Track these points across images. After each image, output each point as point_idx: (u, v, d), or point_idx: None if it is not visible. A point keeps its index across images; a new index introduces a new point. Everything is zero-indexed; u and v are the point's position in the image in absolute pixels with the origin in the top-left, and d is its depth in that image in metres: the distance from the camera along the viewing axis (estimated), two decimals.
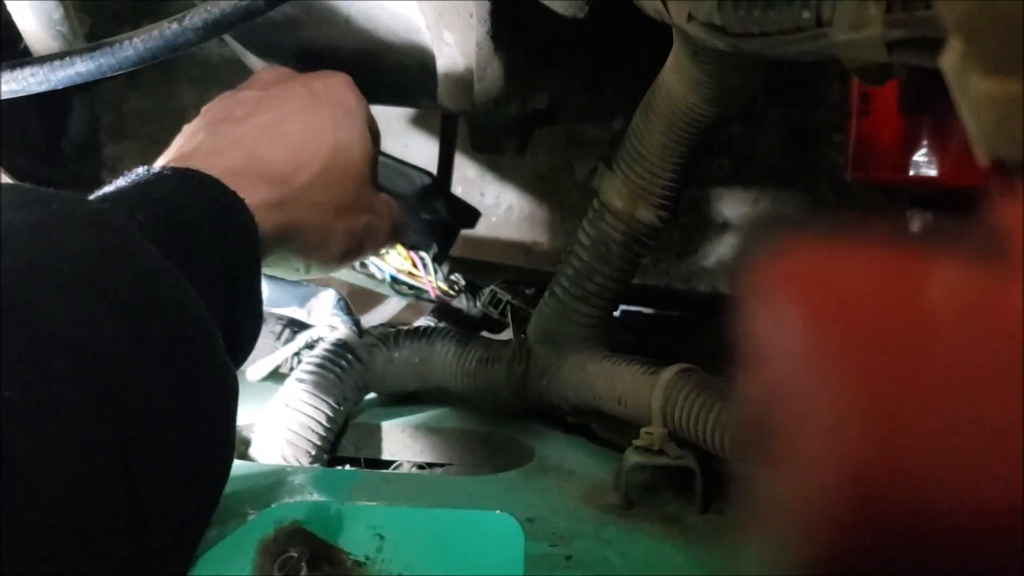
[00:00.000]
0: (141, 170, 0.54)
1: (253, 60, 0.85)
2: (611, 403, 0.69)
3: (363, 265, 0.86)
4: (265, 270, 0.67)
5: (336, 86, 0.68)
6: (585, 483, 0.69)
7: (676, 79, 0.62)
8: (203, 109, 0.66)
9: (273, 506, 0.49)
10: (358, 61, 0.81)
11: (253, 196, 0.56)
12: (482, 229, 1.41)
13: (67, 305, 0.41)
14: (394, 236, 0.73)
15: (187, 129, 0.65)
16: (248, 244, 0.56)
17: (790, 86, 1.33)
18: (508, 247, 1.59)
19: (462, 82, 0.73)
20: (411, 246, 0.86)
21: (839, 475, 0.21)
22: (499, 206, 1.61)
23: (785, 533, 0.24)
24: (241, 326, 0.56)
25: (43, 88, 0.49)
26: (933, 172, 0.74)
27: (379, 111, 1.55)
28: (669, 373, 0.65)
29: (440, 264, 0.89)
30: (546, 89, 0.74)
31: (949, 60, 0.24)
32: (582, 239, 0.71)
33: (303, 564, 0.47)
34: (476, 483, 0.68)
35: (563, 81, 0.77)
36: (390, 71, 0.82)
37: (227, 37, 0.85)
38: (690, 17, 0.43)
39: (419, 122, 1.54)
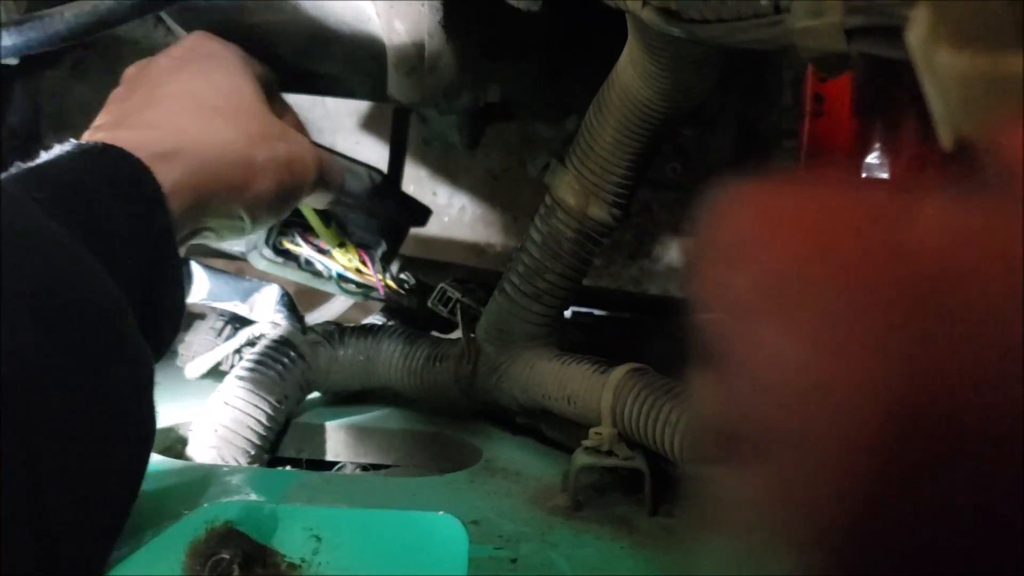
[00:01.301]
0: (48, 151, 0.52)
1: None
2: (561, 403, 0.67)
3: (309, 263, 0.84)
4: (211, 240, 0.64)
5: (194, 41, 0.66)
6: (533, 485, 0.67)
7: (631, 74, 0.61)
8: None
9: (204, 505, 0.47)
10: (307, 50, 0.79)
11: (157, 165, 0.53)
12: (434, 229, 1.39)
13: None
14: (322, 169, 0.68)
15: (107, 103, 0.63)
16: (157, 212, 0.52)
17: (743, 89, 1.33)
18: (460, 247, 1.57)
19: (413, 74, 0.71)
20: (359, 244, 0.84)
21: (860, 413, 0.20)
22: (452, 206, 1.59)
23: (765, 526, 0.22)
24: (160, 302, 0.53)
25: None
26: (885, 175, 0.74)
27: (330, 108, 1.52)
28: (619, 373, 0.64)
29: (389, 263, 0.87)
30: (499, 83, 0.72)
31: (915, 34, 0.23)
32: (534, 236, 0.70)
33: (235, 566, 0.45)
34: (421, 484, 0.66)
35: (516, 75, 0.75)
36: (340, 62, 0.79)
37: (171, 22, 0.82)
38: (645, 3, 0.41)
39: (370, 119, 1.51)
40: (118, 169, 0.52)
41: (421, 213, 0.99)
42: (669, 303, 1.24)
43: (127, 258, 0.50)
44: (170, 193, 0.53)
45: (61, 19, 0.46)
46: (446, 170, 1.54)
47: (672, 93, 0.60)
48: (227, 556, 0.45)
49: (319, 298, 1.17)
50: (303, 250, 0.82)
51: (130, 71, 0.66)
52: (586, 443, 0.63)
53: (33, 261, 0.42)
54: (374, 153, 1.30)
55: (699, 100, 0.61)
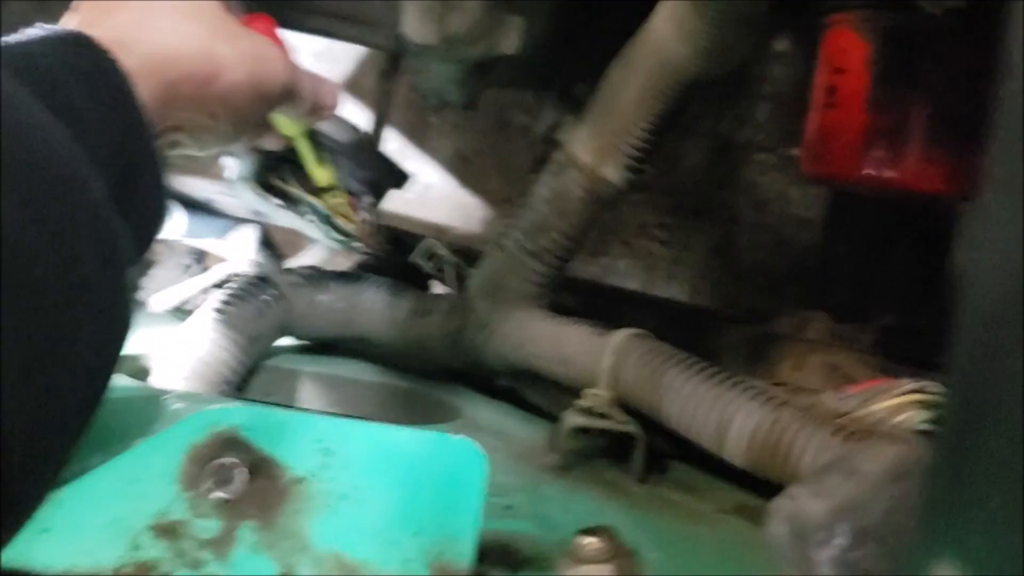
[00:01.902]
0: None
1: None
2: (554, 364, 0.66)
3: (296, 202, 0.81)
4: (188, 147, 0.60)
5: None
6: (517, 444, 0.65)
7: (668, 28, 0.60)
8: None
9: (208, 408, 0.43)
10: None
11: (115, 52, 0.51)
12: (396, 202, 1.36)
13: None
14: (293, 72, 0.63)
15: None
16: (126, 98, 0.49)
17: (718, 101, 1.34)
18: (420, 224, 1.54)
19: (430, 12, 0.68)
20: (349, 190, 0.81)
21: None
22: (417, 182, 1.57)
23: None
24: (138, 195, 0.49)
25: None
26: (893, 173, 0.74)
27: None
28: (621, 336, 0.62)
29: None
30: (516, 33, 0.70)
31: None
32: (541, 192, 0.68)
33: (236, 473, 0.42)
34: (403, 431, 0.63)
35: (530, 29, 0.73)
36: None
37: None
38: None
39: (352, 83, 1.48)
40: (81, 55, 0.49)
41: (402, 175, 0.97)
42: (629, 296, 1.23)
43: (98, 143, 0.46)
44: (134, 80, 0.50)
45: None
46: (417, 145, 1.52)
47: (711, 52, 0.59)
48: (229, 463, 0.42)
49: (295, 248, 1.14)
50: (291, 188, 0.79)
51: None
52: (579, 403, 0.61)
53: None
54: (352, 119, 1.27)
55: (732, 65, 0.60)
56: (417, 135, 1.51)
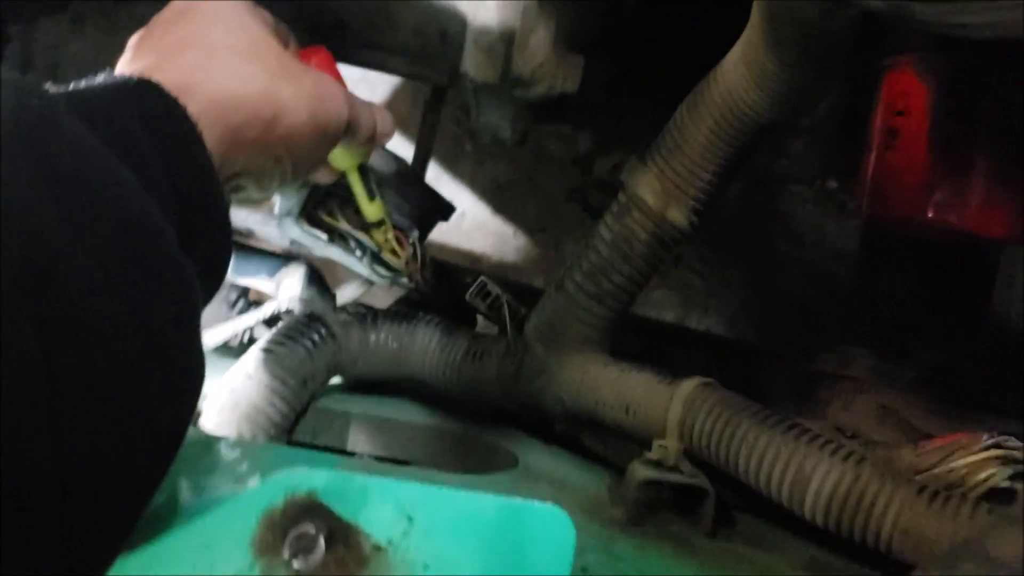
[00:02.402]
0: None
1: None
2: (616, 411, 0.64)
3: (343, 237, 0.79)
4: (251, 191, 0.58)
5: None
6: (580, 495, 0.63)
7: (741, 73, 0.58)
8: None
9: (283, 472, 0.42)
10: (370, 19, 0.75)
11: (184, 98, 0.49)
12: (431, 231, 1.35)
13: None
14: (353, 108, 0.63)
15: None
16: (193, 144, 0.48)
17: None
18: (455, 252, 1.53)
19: (493, 51, 0.67)
20: (396, 225, 0.80)
21: None
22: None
23: None
24: (204, 241, 0.47)
25: None
26: (956, 218, 0.72)
27: None
28: (690, 385, 0.61)
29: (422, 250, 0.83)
30: (579, 73, 0.69)
31: None
32: (603, 234, 0.67)
33: (318, 542, 0.40)
34: (464, 480, 0.62)
35: (592, 69, 0.72)
36: (403, 34, 0.76)
37: None
38: None
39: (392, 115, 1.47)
40: (148, 102, 0.48)
41: (448, 207, 0.95)
42: (668, 329, 1.22)
43: (165, 190, 0.45)
44: (200, 128, 0.49)
45: None
46: (451, 173, 1.51)
47: (786, 97, 0.57)
48: (311, 530, 0.40)
49: (330, 282, 1.12)
50: (339, 224, 0.77)
51: (132, 40, 0.61)
52: (649, 455, 0.60)
53: (65, 152, 0.37)
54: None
55: (807, 109, 0.59)
56: (452, 163, 1.50)
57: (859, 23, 0.50)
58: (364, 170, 0.74)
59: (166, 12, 0.58)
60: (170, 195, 0.46)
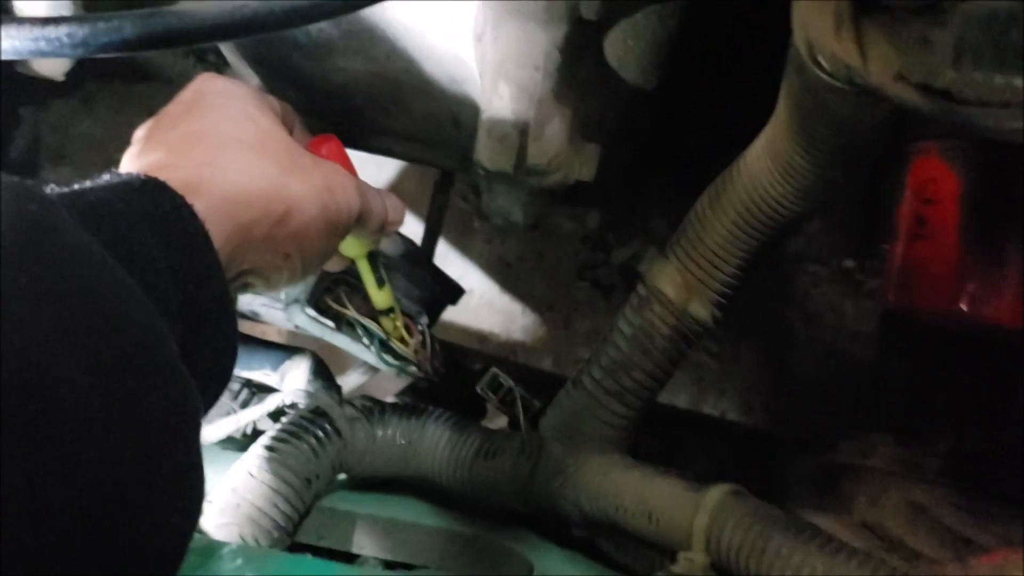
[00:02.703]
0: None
1: (248, 77, 0.77)
2: (639, 518, 0.60)
3: (351, 325, 0.77)
4: (259, 288, 0.57)
5: (202, 83, 0.58)
6: None
7: (766, 165, 0.56)
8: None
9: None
10: (381, 105, 0.73)
11: (192, 196, 0.48)
12: None
13: None
14: (364, 197, 0.62)
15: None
16: (200, 245, 0.46)
17: None
18: (462, 331, 1.50)
19: (507, 140, 0.65)
20: (405, 312, 0.77)
21: None
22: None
23: None
24: (207, 345, 0.46)
25: (77, 53, 0.40)
26: (989, 310, 0.69)
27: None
28: (717, 493, 0.57)
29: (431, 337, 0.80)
30: (597, 161, 0.67)
31: None
32: (622, 328, 0.64)
33: None
34: None
35: (608, 158, 0.70)
36: (415, 120, 0.74)
37: (231, 54, 0.77)
38: (899, 76, 0.37)
39: (399, 196, 1.46)
40: (154, 202, 0.46)
41: (458, 290, 0.93)
42: (697, 418, 1.18)
43: (169, 293, 0.43)
44: (208, 227, 0.47)
45: (199, 14, 0.40)
46: (458, 250, 1.49)
47: (813, 191, 0.55)
48: None
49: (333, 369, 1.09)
50: (348, 311, 0.75)
51: (139, 133, 0.59)
52: (674, 568, 0.56)
53: (62, 260, 0.36)
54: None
55: (836, 202, 0.56)
56: (460, 240, 1.48)
57: (895, 118, 0.48)
58: (373, 257, 0.72)
59: (174, 105, 0.57)
60: (175, 298, 0.44)
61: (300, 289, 0.75)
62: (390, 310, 0.75)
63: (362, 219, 0.61)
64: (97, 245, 0.39)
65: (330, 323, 0.76)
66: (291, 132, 0.63)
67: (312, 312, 0.75)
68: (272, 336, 1.05)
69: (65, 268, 0.36)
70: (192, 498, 0.40)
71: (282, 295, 0.75)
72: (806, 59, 0.42)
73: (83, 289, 0.36)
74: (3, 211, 0.35)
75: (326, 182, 0.58)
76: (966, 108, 0.34)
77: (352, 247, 0.71)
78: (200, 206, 0.48)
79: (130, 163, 0.54)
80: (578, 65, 0.63)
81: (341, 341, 0.78)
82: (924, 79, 0.35)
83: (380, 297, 0.74)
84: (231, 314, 0.47)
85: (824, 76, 0.42)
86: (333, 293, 0.76)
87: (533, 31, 0.59)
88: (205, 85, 0.58)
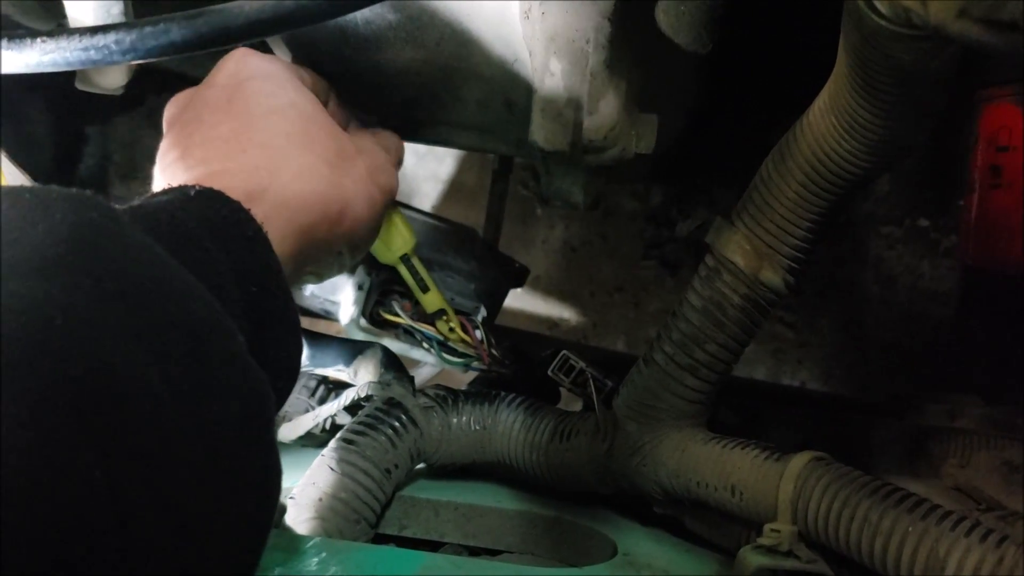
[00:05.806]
0: None
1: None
2: (721, 492, 0.59)
3: (408, 332, 0.78)
4: (311, 282, 0.58)
5: (236, 63, 0.57)
6: None
7: (830, 123, 0.54)
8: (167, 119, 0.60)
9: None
10: (434, 94, 0.73)
11: (252, 203, 0.48)
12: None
13: (35, 283, 0.32)
14: (400, 161, 0.68)
15: (162, 147, 0.58)
16: (260, 250, 0.47)
17: None
18: (531, 318, 1.50)
19: (561, 118, 0.65)
20: (459, 311, 0.78)
21: None
22: None
23: None
24: (273, 348, 0.46)
25: (127, 59, 0.40)
26: None
27: (407, 172, 1.47)
28: (800, 461, 0.56)
29: (490, 328, 0.80)
30: (655, 132, 0.66)
31: None
32: (692, 300, 0.63)
33: None
34: (564, 575, 0.58)
35: (663, 131, 0.69)
36: (467, 107, 0.74)
37: (277, 48, 0.77)
38: (961, 13, 0.35)
39: (452, 186, 1.46)
40: (213, 210, 0.47)
41: (520, 273, 0.93)
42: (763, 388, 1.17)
43: (233, 298, 0.44)
44: (268, 232, 0.48)
45: (240, 11, 0.40)
46: (523, 237, 1.49)
47: (881, 146, 0.53)
48: None
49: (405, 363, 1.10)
50: (402, 319, 0.76)
51: (171, 112, 0.60)
52: (761, 541, 0.55)
53: (126, 265, 0.37)
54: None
55: (905, 157, 0.55)
56: (523, 227, 1.47)
57: (959, 61, 0.46)
58: (409, 262, 0.74)
59: (211, 90, 0.57)
60: (239, 300, 0.45)
61: (354, 310, 0.76)
62: (442, 312, 0.76)
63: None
64: (159, 247, 0.40)
65: (388, 332, 0.78)
66: (326, 105, 0.64)
67: (367, 325, 0.76)
68: (344, 333, 1.07)
69: (128, 269, 0.37)
70: (268, 492, 0.40)
71: (346, 318, 0.77)
72: (863, 6, 0.41)
73: (147, 289, 0.37)
74: (65, 219, 0.36)
75: (369, 170, 0.60)
76: None
77: (385, 254, 0.73)
78: (260, 212, 0.48)
79: (174, 164, 0.54)
80: (630, 34, 0.62)
81: (401, 348, 0.79)
82: (987, 13, 0.34)
83: (428, 301, 0.76)
84: (295, 312, 0.48)
85: (883, 22, 0.41)
86: (385, 305, 0.77)
87: (581, 3, 0.59)
88: (241, 67, 0.58)
